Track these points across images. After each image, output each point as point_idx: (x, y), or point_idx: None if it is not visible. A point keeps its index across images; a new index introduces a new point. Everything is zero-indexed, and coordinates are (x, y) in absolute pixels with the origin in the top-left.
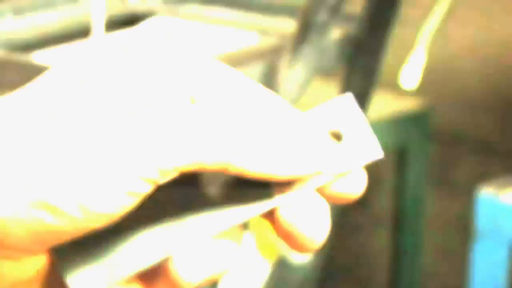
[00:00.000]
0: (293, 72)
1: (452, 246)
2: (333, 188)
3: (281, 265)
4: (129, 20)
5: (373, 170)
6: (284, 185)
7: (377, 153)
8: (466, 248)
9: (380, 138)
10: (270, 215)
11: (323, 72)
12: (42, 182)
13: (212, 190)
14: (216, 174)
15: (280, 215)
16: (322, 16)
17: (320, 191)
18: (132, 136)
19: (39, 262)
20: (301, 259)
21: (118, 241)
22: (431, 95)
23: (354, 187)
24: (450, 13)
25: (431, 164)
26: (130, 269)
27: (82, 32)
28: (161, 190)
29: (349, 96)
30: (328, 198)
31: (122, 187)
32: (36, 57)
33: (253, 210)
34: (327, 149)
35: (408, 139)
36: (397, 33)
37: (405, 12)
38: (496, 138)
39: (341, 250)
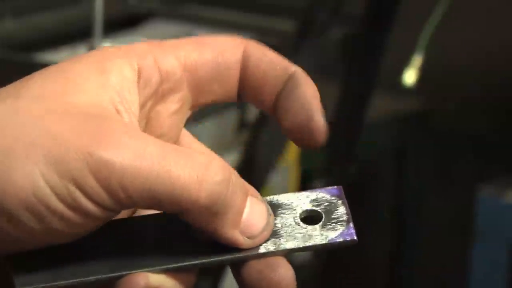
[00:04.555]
0: None
1: (452, 246)
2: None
3: None
4: (129, 20)
5: (373, 170)
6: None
7: (351, 237)
8: (466, 248)
9: (380, 138)
10: (237, 269)
11: (323, 72)
12: (1, 189)
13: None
14: None
15: (247, 274)
16: (322, 16)
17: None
18: (91, 158)
19: None
20: (301, 259)
21: (74, 256)
22: (431, 95)
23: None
24: (450, 13)
25: (431, 164)
26: (71, 279)
27: (82, 32)
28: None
29: (339, 189)
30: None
31: (79, 209)
32: (36, 57)
33: (209, 257)
34: (270, 225)
35: (408, 139)
36: (397, 33)
37: (405, 12)
38: (496, 138)
39: (341, 250)
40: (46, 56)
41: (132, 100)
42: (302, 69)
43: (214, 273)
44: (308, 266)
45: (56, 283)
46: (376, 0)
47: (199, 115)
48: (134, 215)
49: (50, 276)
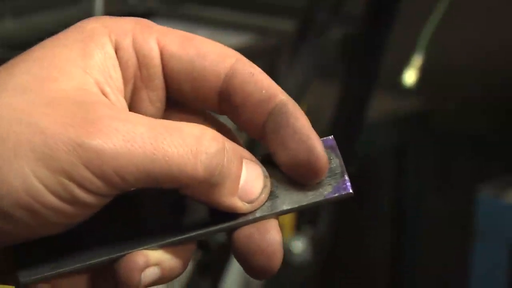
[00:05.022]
0: (293, 72)
1: (452, 246)
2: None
3: (281, 265)
4: None
5: (373, 170)
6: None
7: (346, 191)
8: (466, 248)
9: (380, 138)
10: (231, 236)
11: (323, 72)
12: None
13: (181, 201)
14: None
15: (236, 238)
16: (322, 16)
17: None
18: (81, 148)
19: None
20: (301, 259)
21: (73, 242)
22: (431, 95)
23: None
24: (450, 13)
25: (431, 164)
26: (72, 265)
27: None
28: (130, 195)
29: (332, 140)
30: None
31: (74, 201)
32: None
33: (205, 228)
34: (267, 189)
35: (408, 139)
36: (397, 33)
37: (405, 12)
38: (496, 138)
39: (341, 250)
40: None
41: (117, 76)
42: (290, 99)
43: (214, 273)
44: (308, 266)
45: (58, 270)
46: (376, 0)
47: None
48: None
49: (51, 265)
